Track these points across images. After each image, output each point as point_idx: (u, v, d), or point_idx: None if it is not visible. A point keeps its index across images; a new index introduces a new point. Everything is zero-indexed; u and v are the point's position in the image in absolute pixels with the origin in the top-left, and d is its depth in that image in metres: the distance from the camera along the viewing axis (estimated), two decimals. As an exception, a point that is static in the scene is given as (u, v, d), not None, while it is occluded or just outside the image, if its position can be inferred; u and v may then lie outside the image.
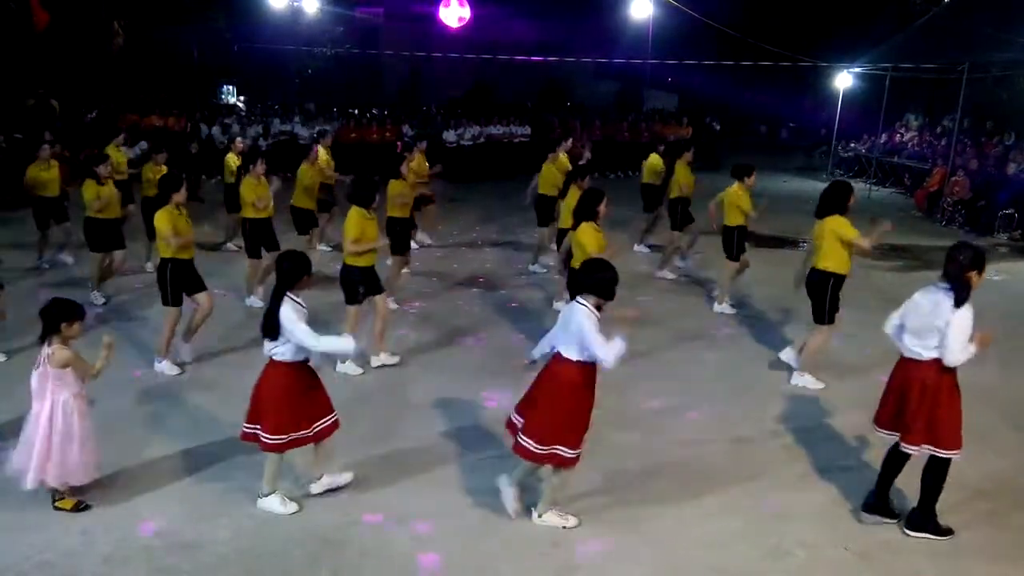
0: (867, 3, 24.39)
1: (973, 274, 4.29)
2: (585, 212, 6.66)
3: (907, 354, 4.48)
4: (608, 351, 4.16)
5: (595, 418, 6.05)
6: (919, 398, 4.37)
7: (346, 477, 4.91)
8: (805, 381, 6.70)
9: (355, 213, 6.53)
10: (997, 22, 14.05)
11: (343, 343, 4.64)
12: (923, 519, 4.54)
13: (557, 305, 8.54)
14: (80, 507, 4.60)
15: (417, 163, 10.46)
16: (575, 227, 6.71)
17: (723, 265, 8.84)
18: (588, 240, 6.51)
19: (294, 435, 4.52)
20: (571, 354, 4.30)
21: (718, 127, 24.71)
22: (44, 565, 4.12)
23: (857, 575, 4.22)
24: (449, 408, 6.17)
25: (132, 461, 5.12)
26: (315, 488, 4.81)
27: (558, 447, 4.32)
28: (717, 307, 8.72)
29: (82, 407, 4.55)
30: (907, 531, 4.55)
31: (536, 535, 4.48)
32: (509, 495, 4.64)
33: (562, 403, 4.33)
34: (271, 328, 4.42)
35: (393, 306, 8.36)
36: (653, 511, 4.75)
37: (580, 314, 4.25)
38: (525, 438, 4.38)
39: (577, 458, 4.40)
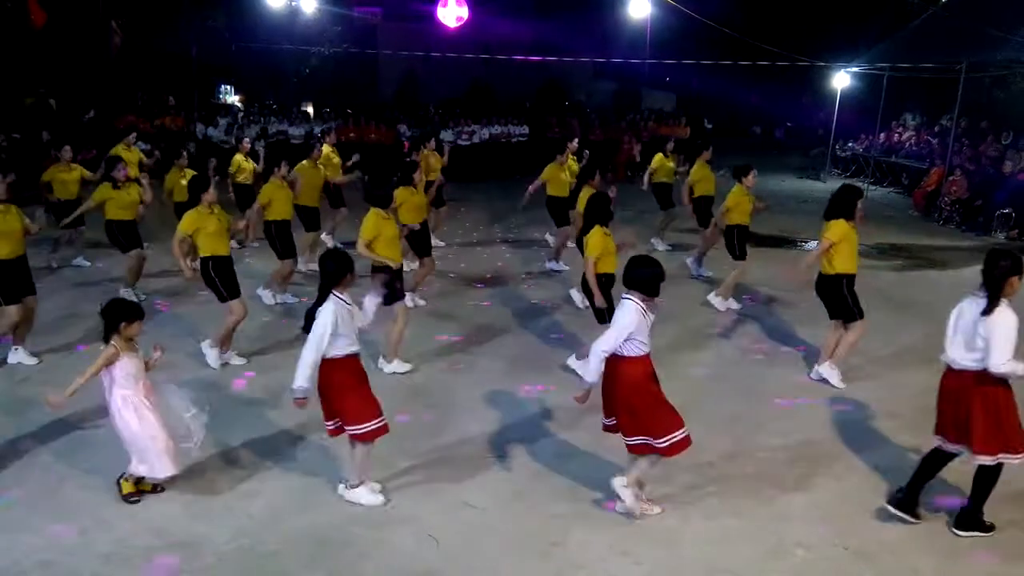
0: (865, 2, 24.42)
1: (1014, 279, 4.26)
2: (597, 215, 6.64)
3: (956, 366, 4.41)
4: (604, 347, 4.34)
5: (591, 412, 6.03)
6: (983, 408, 4.30)
7: (379, 499, 4.82)
8: (832, 376, 6.68)
9: (372, 214, 6.56)
10: (994, 21, 14.06)
11: (301, 378, 4.43)
12: (974, 519, 4.54)
13: (573, 292, 8.62)
14: (133, 498, 4.70)
15: (428, 161, 10.48)
16: (587, 230, 6.67)
17: (727, 264, 8.81)
18: (594, 243, 6.50)
19: (377, 423, 4.59)
20: (628, 351, 4.41)
21: (710, 126, 24.74)
22: (44, 564, 4.12)
23: (855, 574, 4.23)
24: (456, 408, 6.17)
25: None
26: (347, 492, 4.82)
27: (669, 437, 4.40)
28: (720, 306, 8.69)
29: (140, 404, 4.61)
30: (957, 531, 4.54)
31: (536, 535, 4.48)
32: (628, 496, 4.63)
33: (638, 397, 4.42)
34: (311, 325, 4.47)
35: (421, 302, 8.48)
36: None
37: (624, 308, 4.40)
38: (634, 438, 4.47)
39: (688, 438, 4.47)
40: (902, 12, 20.25)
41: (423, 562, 4.24)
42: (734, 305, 8.70)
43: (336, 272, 4.54)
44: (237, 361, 6.92)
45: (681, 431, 4.43)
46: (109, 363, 4.54)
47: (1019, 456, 4.36)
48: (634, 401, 4.43)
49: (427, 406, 6.20)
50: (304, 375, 4.44)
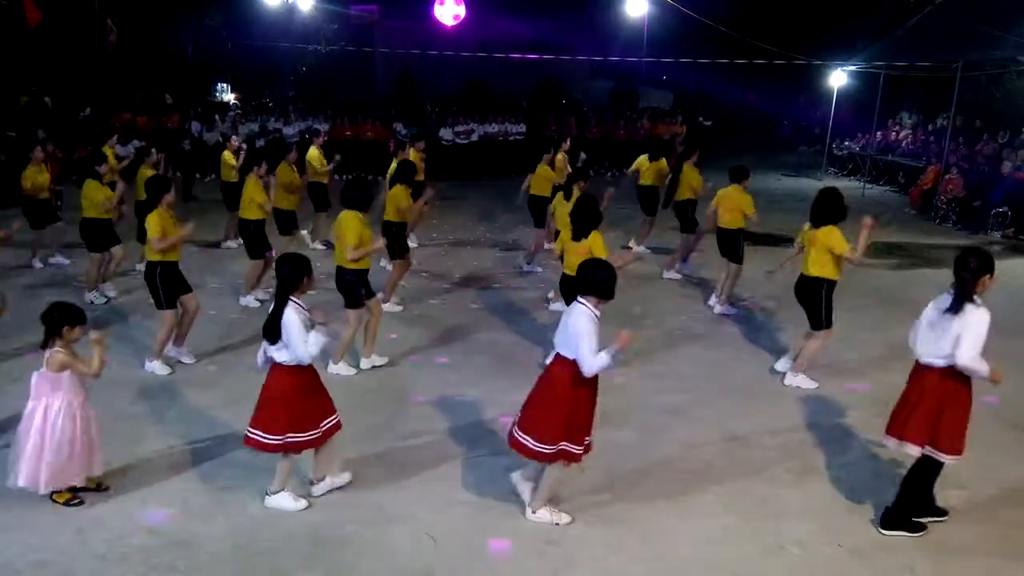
0: (861, 1, 24.44)
1: (986, 278, 4.30)
2: (594, 219, 6.48)
3: (922, 361, 4.44)
4: (593, 360, 4.19)
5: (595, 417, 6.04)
6: (930, 400, 4.34)
7: (345, 477, 4.91)
8: (799, 381, 6.70)
9: (353, 218, 6.42)
10: (990, 20, 14.08)
11: (320, 340, 4.45)
12: (899, 517, 4.54)
13: (555, 306, 8.54)
14: (73, 502, 4.61)
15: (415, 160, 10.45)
16: (584, 235, 6.46)
17: (723, 267, 8.75)
18: (600, 245, 6.40)
19: (296, 437, 4.48)
20: (568, 353, 4.30)
21: (709, 123, 24.66)
22: (39, 564, 4.11)
23: (851, 572, 4.23)
24: (446, 407, 6.17)
25: (127, 460, 5.10)
26: (317, 490, 4.80)
27: (564, 444, 4.34)
28: (718, 308, 8.67)
29: (77, 412, 4.54)
30: (882, 530, 4.55)
31: (533, 534, 4.48)
32: (524, 489, 4.69)
33: (561, 402, 4.32)
34: (272, 331, 4.40)
35: (396, 308, 8.35)
36: (650, 508, 4.76)
37: (579, 314, 4.26)
38: (523, 435, 4.40)
39: (581, 455, 4.43)
40: (899, 11, 20.31)
41: (420, 561, 4.24)
42: (730, 310, 8.70)
43: (292, 277, 4.43)
44: (187, 359, 6.87)
45: (576, 446, 4.35)
46: (63, 368, 4.47)
47: (948, 456, 4.37)
48: (565, 404, 4.30)
49: (418, 404, 6.21)
50: (319, 346, 4.41)
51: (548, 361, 4.61)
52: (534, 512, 4.59)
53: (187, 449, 5.34)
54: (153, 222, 6.36)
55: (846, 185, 13.10)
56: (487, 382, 6.65)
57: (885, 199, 17.67)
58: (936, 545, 4.46)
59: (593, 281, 4.32)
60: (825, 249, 6.30)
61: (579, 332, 4.21)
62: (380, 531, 4.49)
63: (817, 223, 6.38)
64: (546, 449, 4.34)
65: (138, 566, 4.12)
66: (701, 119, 24.51)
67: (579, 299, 4.34)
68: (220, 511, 4.62)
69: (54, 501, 4.60)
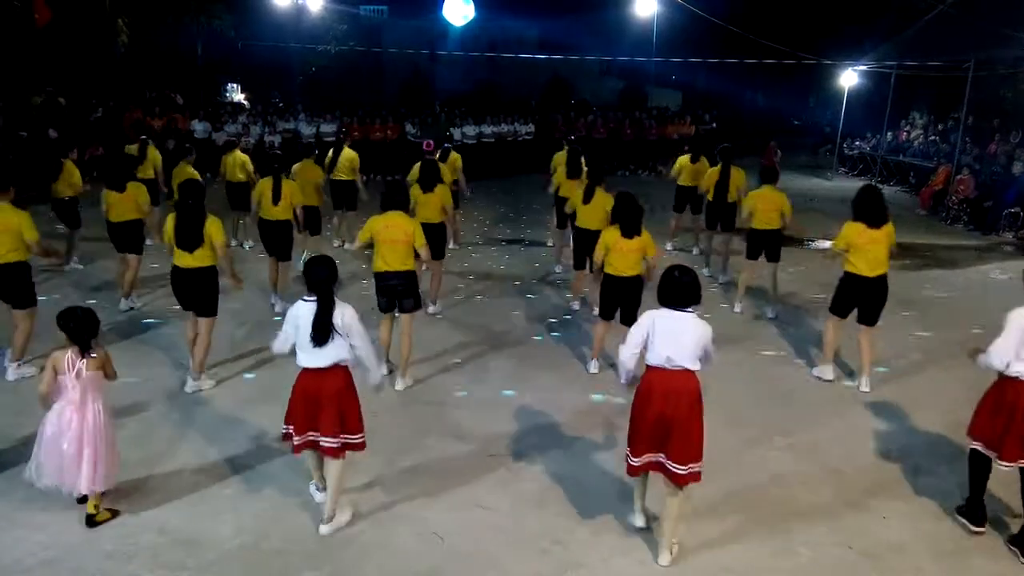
0: (872, 1, 24.34)
1: None
2: (640, 214, 6.43)
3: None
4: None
5: (603, 417, 6.05)
6: None
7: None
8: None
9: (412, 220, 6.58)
10: (1002, 19, 14.00)
11: (377, 371, 4.68)
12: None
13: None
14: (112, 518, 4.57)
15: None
16: (637, 232, 6.37)
17: (758, 268, 8.65)
18: (653, 243, 6.44)
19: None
20: (692, 364, 4.11)
21: (714, 125, 24.56)
22: (48, 562, 4.12)
23: (861, 574, 4.21)
24: (458, 408, 6.16)
25: (136, 459, 5.11)
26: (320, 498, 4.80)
27: (698, 463, 4.17)
28: (770, 312, 8.56)
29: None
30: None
31: (539, 533, 4.48)
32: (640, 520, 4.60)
33: (700, 417, 4.16)
34: (326, 333, 4.28)
35: (435, 309, 8.46)
36: (657, 509, 4.73)
37: (700, 325, 4.14)
38: (682, 466, 4.10)
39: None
40: (910, 10, 20.19)
41: (425, 561, 4.23)
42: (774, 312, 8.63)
43: (331, 276, 4.38)
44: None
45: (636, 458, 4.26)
46: (102, 365, 4.45)
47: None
48: (701, 418, 4.22)
49: (433, 404, 6.21)
50: (373, 363, 4.59)
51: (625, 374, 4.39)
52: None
53: (195, 448, 5.36)
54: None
55: (856, 186, 12.95)
56: (507, 385, 6.63)
57: (896, 199, 17.58)
58: (946, 547, 4.43)
59: (694, 289, 4.18)
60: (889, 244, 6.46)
61: (709, 341, 4.15)
62: (387, 531, 4.49)
63: (883, 221, 6.46)
64: (688, 470, 4.12)
65: (146, 564, 4.13)
66: (706, 116, 24.29)
67: (682, 309, 4.14)
68: (228, 510, 4.63)
69: (94, 520, 4.47)
